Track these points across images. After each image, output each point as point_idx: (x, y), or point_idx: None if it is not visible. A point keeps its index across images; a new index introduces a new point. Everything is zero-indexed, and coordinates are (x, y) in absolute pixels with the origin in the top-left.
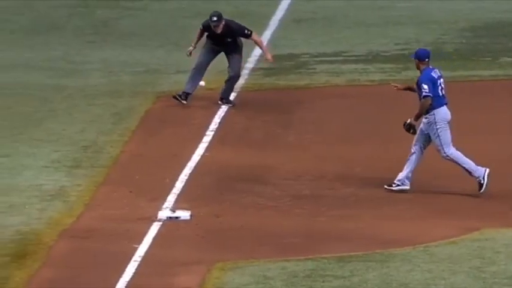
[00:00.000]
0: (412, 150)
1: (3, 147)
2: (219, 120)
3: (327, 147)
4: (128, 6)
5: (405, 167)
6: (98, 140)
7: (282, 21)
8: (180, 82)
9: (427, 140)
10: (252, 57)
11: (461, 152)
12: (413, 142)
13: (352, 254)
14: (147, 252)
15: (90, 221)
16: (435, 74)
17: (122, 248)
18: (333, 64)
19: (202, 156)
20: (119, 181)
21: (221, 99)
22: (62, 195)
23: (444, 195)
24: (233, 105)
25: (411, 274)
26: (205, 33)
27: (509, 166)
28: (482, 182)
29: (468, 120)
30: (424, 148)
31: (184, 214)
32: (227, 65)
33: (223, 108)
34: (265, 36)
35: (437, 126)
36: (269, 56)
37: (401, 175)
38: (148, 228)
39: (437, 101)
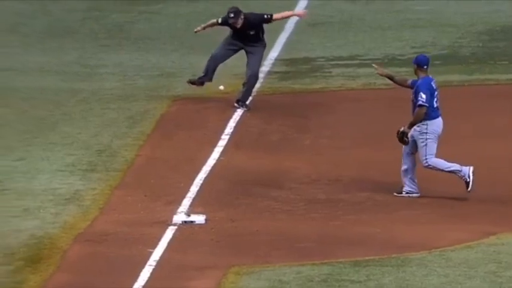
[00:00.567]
0: (405, 166)
1: (17, 151)
2: (234, 124)
3: (342, 151)
4: (143, 10)
5: (405, 180)
6: (113, 144)
7: (298, 25)
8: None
9: (415, 146)
10: (268, 60)
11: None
12: (403, 159)
13: (368, 258)
14: (162, 257)
15: (104, 225)
16: (434, 84)
17: (136, 252)
18: (348, 68)
19: (218, 160)
20: (134, 185)
21: (237, 101)
22: (76, 199)
23: (459, 199)
24: (248, 109)
25: (427, 279)
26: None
27: None
28: (468, 180)
29: (484, 124)
30: (414, 154)
31: (199, 218)
32: (244, 69)
33: (239, 112)
34: (281, 40)
35: (427, 137)
36: (301, 12)
37: (406, 188)
38: (163, 232)
39: (431, 112)
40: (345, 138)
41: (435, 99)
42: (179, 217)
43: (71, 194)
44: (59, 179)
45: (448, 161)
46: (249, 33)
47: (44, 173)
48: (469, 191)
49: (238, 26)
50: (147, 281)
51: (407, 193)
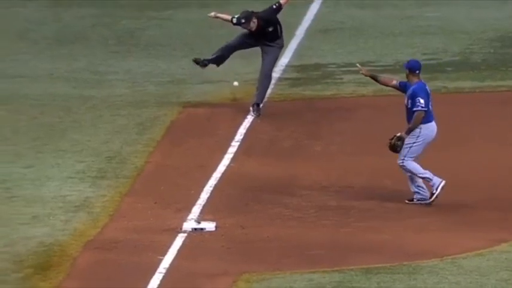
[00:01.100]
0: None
1: (27, 158)
2: (244, 131)
3: (354, 158)
4: (153, 16)
5: (413, 188)
6: (123, 151)
7: (309, 31)
8: (205, 92)
9: None
10: (278, 67)
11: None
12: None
13: (379, 265)
14: (172, 264)
15: (114, 232)
16: (428, 89)
17: (146, 260)
18: (359, 74)
19: (228, 167)
20: (144, 192)
21: (253, 105)
22: (86, 206)
23: (470, 206)
24: (258, 115)
25: (439, 286)
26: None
27: None
28: (434, 192)
29: (496, 131)
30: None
31: (209, 225)
32: (254, 75)
33: (249, 119)
34: (292, 46)
35: (416, 141)
36: None
37: (417, 196)
38: (173, 239)
39: (428, 116)
40: (356, 145)
41: (430, 103)
42: (189, 224)
43: (81, 201)
44: (68, 186)
45: (423, 168)
46: (267, 31)
47: (53, 180)
48: (430, 203)
49: (253, 29)
50: None
51: (418, 200)
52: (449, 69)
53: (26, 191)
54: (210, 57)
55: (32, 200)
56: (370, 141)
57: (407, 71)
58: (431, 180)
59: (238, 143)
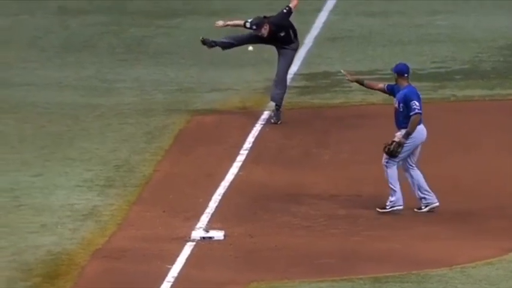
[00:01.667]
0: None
1: (35, 167)
2: (253, 139)
3: (362, 167)
4: (161, 24)
5: (419, 194)
6: (131, 159)
7: (317, 39)
8: (214, 100)
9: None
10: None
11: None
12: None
13: (388, 274)
14: (180, 273)
15: (122, 241)
16: (419, 92)
17: (155, 269)
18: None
19: (237, 175)
20: (152, 201)
21: (276, 105)
22: (94, 215)
23: (479, 215)
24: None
25: None
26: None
27: None
28: (386, 206)
29: (506, 139)
30: (416, 162)
31: (218, 234)
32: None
33: (258, 127)
34: (300, 54)
35: (407, 142)
36: None
37: (424, 201)
38: (181, 248)
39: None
40: (364, 153)
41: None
42: (198, 233)
43: (89, 209)
44: (76, 195)
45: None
46: (279, 36)
47: (61, 189)
48: (379, 212)
49: (266, 34)
50: None
51: (426, 205)
52: (459, 77)
53: (34, 200)
54: (219, 40)
55: (40, 208)
56: (379, 149)
57: (396, 75)
58: (394, 195)
59: (246, 152)
